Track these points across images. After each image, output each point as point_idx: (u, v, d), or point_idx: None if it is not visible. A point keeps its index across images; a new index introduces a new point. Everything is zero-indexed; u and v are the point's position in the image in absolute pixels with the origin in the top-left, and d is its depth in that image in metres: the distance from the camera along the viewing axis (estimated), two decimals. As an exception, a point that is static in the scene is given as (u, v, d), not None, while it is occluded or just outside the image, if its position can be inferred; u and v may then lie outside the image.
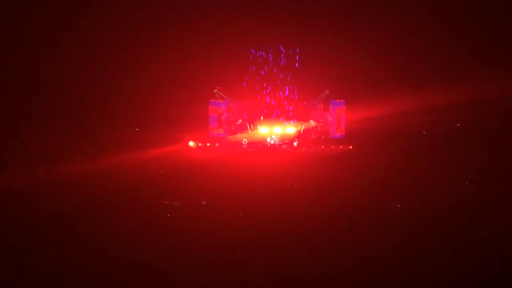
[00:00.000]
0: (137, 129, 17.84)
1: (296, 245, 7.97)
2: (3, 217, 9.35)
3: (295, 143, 18.92)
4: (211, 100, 19.60)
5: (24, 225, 8.97)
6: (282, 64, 18.90)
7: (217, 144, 19.45)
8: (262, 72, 19.02)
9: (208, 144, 19.33)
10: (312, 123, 19.56)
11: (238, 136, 19.50)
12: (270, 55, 18.95)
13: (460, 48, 15.00)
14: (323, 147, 18.78)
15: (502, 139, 13.59)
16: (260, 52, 18.92)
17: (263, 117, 19.37)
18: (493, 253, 7.75)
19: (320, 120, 19.47)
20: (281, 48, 18.80)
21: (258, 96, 19.23)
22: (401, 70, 16.29)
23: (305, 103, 19.56)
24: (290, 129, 19.26)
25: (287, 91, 19.22)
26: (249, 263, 7.48)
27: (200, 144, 19.14)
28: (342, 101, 19.02)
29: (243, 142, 19.15)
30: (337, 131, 19.22)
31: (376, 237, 8.20)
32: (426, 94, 15.09)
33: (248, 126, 19.68)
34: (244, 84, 19.06)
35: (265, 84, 19.10)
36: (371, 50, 15.67)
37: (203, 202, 11.34)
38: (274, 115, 19.32)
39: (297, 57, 18.80)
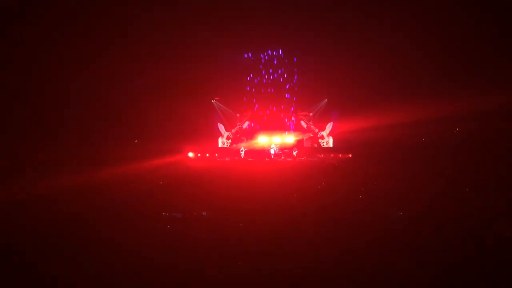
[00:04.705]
0: (136, 141, 17.88)
1: (298, 255, 7.90)
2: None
3: (294, 152, 18.98)
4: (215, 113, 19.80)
5: (18, 236, 8.87)
6: (280, 73, 19.07)
7: (216, 155, 19.48)
8: (261, 82, 19.19)
9: (207, 155, 19.35)
10: (311, 133, 19.67)
11: (238, 146, 19.57)
12: (268, 65, 19.14)
13: (456, 60, 15.22)
14: (322, 155, 18.84)
15: (502, 146, 13.63)
16: (259, 62, 19.11)
17: (262, 127, 19.46)
18: (494, 260, 7.71)
19: (318, 130, 19.61)
20: (280, 57, 18.96)
21: (257, 106, 19.35)
22: (402, 79, 16.47)
23: (303, 112, 19.71)
24: (289, 138, 19.34)
25: (285, 101, 19.35)
26: (250, 274, 7.40)
27: (199, 155, 19.16)
28: (340, 110, 19.21)
29: (241, 152, 19.17)
30: (335, 140, 19.36)
31: (379, 245, 8.16)
32: (426, 102, 15.23)
33: (247, 136, 19.78)
34: (243, 95, 19.22)
35: (263, 94, 19.28)
36: (371, 59, 15.82)
37: (204, 213, 11.25)
38: (273, 124, 19.40)
39: (295, 67, 19.00)
